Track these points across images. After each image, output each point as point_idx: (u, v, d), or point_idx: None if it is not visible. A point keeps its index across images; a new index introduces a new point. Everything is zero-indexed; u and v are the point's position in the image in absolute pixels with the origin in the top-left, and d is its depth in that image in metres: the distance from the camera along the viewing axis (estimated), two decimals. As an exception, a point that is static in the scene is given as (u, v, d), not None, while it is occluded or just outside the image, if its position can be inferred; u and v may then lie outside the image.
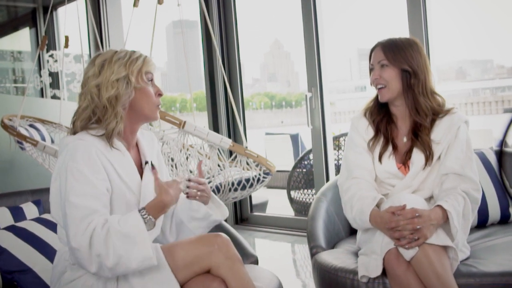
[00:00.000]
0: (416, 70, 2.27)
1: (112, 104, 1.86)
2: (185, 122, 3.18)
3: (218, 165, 3.36)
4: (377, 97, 2.38)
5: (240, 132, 3.75)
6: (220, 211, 2.08)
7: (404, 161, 2.31)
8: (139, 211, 1.78)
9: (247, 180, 3.34)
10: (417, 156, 2.27)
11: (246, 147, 3.35)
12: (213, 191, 3.33)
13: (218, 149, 3.28)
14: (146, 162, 2.00)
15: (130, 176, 1.91)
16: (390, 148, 2.33)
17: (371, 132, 2.38)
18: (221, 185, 3.31)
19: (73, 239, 1.71)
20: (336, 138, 5.20)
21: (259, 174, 3.32)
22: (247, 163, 3.28)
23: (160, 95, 1.97)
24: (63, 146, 1.87)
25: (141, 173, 1.98)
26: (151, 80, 1.96)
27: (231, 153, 3.30)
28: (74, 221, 1.72)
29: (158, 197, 1.81)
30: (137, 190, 1.92)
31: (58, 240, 2.12)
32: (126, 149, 1.94)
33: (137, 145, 2.04)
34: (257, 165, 3.30)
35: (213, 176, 3.35)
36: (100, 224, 1.72)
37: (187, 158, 3.39)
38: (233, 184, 3.32)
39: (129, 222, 1.74)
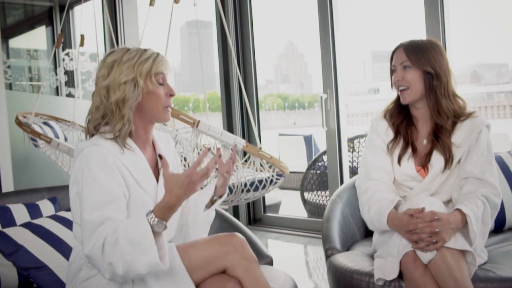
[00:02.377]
0: (439, 72, 2.25)
1: (119, 106, 1.83)
2: (199, 122, 3.18)
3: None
4: (397, 99, 2.37)
5: (254, 133, 3.73)
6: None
7: (424, 163, 2.30)
8: (147, 215, 1.71)
9: (260, 181, 3.34)
10: (437, 159, 2.26)
11: (260, 148, 3.34)
12: None
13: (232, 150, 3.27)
14: (160, 157, 1.94)
15: (145, 178, 1.90)
16: (409, 150, 2.32)
17: (390, 134, 2.36)
18: (233, 186, 3.31)
19: (87, 247, 1.71)
20: (350, 140, 5.18)
21: (272, 176, 3.31)
22: (260, 164, 3.27)
23: (171, 95, 1.93)
24: (78, 151, 1.86)
25: (156, 174, 1.96)
26: (162, 80, 1.91)
27: (244, 153, 3.30)
28: (89, 231, 1.72)
29: (164, 197, 1.73)
30: (153, 192, 1.91)
31: (73, 238, 2.13)
32: (140, 149, 1.92)
33: (153, 145, 2.02)
34: (270, 167, 3.29)
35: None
36: (111, 232, 1.70)
37: (198, 154, 3.39)
38: (245, 185, 3.32)
39: (137, 228, 1.69)
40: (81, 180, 1.78)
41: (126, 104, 1.84)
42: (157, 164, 2.00)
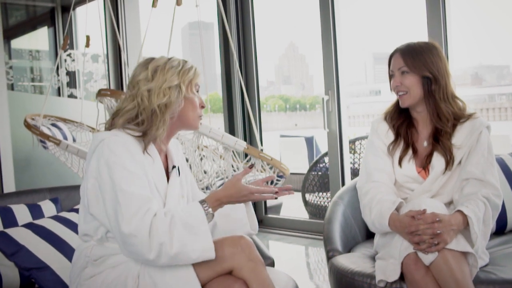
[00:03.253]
0: (437, 75, 2.25)
1: (162, 111, 1.87)
2: (200, 124, 3.19)
3: (232, 166, 3.36)
4: (398, 101, 2.37)
5: (255, 135, 3.74)
6: (252, 224, 2.10)
7: (424, 165, 2.30)
8: (200, 202, 1.82)
9: (261, 183, 3.34)
10: (438, 160, 2.26)
11: (261, 150, 3.35)
12: None
13: (233, 151, 3.28)
14: (173, 167, 2.01)
15: (159, 180, 1.92)
16: (410, 152, 2.32)
17: (391, 136, 2.37)
18: None
19: (128, 225, 1.70)
20: (352, 142, 5.18)
21: (273, 177, 3.31)
22: (261, 166, 3.27)
23: (203, 107, 2.00)
24: (97, 141, 1.86)
25: (167, 175, 1.99)
26: (198, 91, 1.99)
27: (246, 154, 3.31)
28: (130, 208, 1.72)
29: (219, 191, 1.88)
30: (163, 192, 1.93)
31: (75, 238, 2.14)
32: (157, 153, 1.95)
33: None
34: (271, 168, 3.30)
35: (226, 177, 3.36)
36: (162, 211, 1.74)
37: (201, 159, 3.40)
38: (246, 186, 3.32)
39: (192, 212, 1.77)
40: (105, 169, 1.78)
41: (169, 109, 1.89)
42: (167, 168, 2.03)
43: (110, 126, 1.93)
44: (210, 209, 1.82)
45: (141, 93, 1.89)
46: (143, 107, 1.88)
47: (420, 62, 2.26)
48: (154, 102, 1.86)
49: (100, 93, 4.06)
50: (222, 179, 3.48)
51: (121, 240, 1.74)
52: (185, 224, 1.73)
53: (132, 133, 1.88)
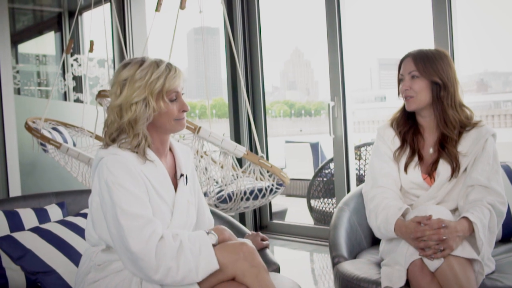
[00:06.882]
0: (446, 82, 2.26)
1: (132, 125, 1.86)
2: (200, 128, 3.18)
3: (232, 176, 3.35)
4: (404, 107, 2.38)
5: (256, 141, 3.72)
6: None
7: (430, 172, 2.30)
8: (206, 232, 1.86)
9: (260, 190, 3.32)
10: (443, 167, 2.26)
11: (262, 156, 3.32)
12: (225, 199, 3.32)
13: (233, 157, 3.27)
14: (181, 175, 2.00)
15: (164, 187, 1.92)
16: (416, 158, 2.32)
17: (397, 142, 2.37)
18: (233, 194, 3.30)
19: (135, 248, 1.72)
20: (357, 148, 5.18)
21: (272, 185, 3.30)
22: (261, 173, 3.25)
23: (184, 111, 1.95)
24: (97, 159, 1.88)
25: (174, 183, 1.99)
26: (176, 96, 1.92)
27: (241, 160, 3.29)
28: (134, 230, 1.74)
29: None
30: (170, 201, 1.93)
31: (82, 243, 2.14)
32: (159, 159, 1.94)
33: (173, 154, 2.05)
34: (270, 176, 3.28)
35: (225, 185, 3.34)
36: (169, 234, 1.76)
37: (199, 160, 3.38)
38: (245, 193, 3.30)
39: (198, 238, 1.80)
40: (106, 189, 1.79)
41: (138, 122, 1.86)
42: (175, 174, 2.02)
43: (107, 144, 1.92)
44: (215, 239, 1.86)
45: (113, 109, 1.89)
46: (118, 123, 1.88)
47: (431, 67, 2.27)
48: (125, 117, 1.86)
49: (100, 94, 4.05)
50: (220, 185, 3.47)
51: (126, 257, 1.76)
52: (192, 251, 1.75)
53: (127, 147, 1.87)
